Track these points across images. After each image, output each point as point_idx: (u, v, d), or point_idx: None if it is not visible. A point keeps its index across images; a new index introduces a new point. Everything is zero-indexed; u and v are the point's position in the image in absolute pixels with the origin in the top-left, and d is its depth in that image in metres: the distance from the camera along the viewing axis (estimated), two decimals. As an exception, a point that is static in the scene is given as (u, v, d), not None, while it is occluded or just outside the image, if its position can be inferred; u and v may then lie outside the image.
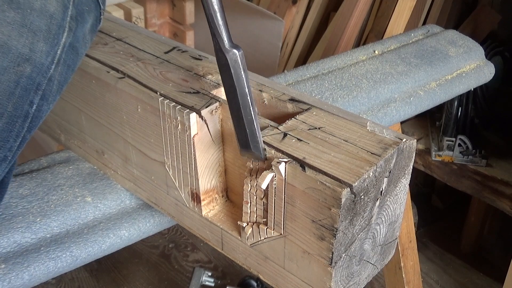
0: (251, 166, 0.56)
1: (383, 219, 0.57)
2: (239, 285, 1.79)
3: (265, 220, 0.56)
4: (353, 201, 0.49)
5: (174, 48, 0.74)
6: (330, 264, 0.52)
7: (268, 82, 0.66)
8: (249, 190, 0.55)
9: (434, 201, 2.22)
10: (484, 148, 1.73)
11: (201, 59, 0.71)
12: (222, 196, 0.66)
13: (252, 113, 0.52)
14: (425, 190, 2.20)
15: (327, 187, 0.48)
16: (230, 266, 1.94)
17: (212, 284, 1.81)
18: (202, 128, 0.59)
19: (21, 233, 0.66)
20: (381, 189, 0.53)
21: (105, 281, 1.89)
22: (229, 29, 0.51)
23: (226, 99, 0.54)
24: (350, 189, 0.48)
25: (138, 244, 2.00)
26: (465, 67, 1.08)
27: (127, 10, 1.69)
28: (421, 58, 1.04)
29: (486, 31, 1.94)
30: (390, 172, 0.53)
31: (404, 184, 0.58)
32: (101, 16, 0.66)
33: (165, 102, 0.60)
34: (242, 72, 0.51)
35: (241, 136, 0.54)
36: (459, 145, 1.71)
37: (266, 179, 0.52)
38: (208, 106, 0.59)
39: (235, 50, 0.51)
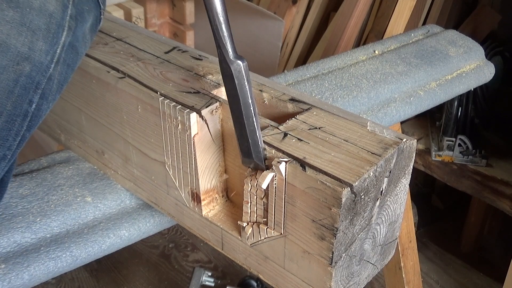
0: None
1: (383, 219, 0.57)
2: (239, 285, 1.79)
3: (265, 220, 0.56)
4: (354, 200, 0.49)
5: (174, 48, 0.74)
6: (330, 264, 0.52)
7: (268, 82, 0.66)
8: (249, 189, 0.55)
9: (434, 201, 2.22)
10: (484, 148, 1.73)
11: (201, 59, 0.71)
12: (222, 196, 0.65)
13: (255, 124, 0.53)
14: (425, 190, 2.20)
15: (327, 186, 0.48)
16: (230, 266, 1.94)
17: (212, 284, 1.81)
18: (203, 128, 0.59)
19: (21, 233, 0.66)
20: (381, 189, 0.53)
21: (105, 281, 1.89)
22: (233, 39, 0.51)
23: (226, 99, 0.54)
24: (351, 189, 0.48)
25: (138, 244, 2.00)
26: (465, 67, 1.08)
27: (127, 10, 1.69)
28: (421, 58, 1.04)
29: (486, 31, 1.94)
30: (390, 172, 0.53)
31: (404, 184, 0.58)
32: (101, 16, 0.66)
33: (166, 102, 0.60)
34: (246, 83, 0.52)
35: (243, 145, 0.54)
36: (459, 145, 1.71)
37: (267, 179, 0.52)
38: (209, 106, 0.59)
39: (239, 61, 0.51)
